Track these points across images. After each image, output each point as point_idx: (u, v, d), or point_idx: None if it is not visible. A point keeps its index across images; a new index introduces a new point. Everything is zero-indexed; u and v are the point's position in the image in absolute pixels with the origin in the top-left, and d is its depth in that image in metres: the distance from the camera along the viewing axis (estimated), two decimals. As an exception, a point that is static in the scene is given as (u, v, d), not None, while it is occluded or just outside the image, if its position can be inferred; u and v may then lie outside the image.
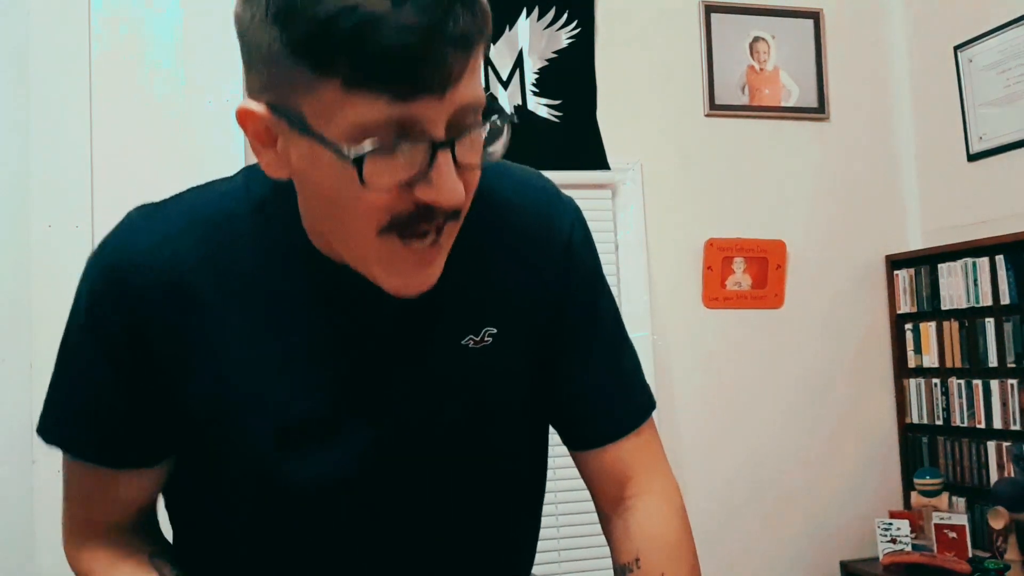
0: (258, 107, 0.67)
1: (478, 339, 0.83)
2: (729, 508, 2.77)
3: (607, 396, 0.91)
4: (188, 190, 0.84)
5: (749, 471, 2.82)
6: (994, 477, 2.63)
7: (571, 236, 0.89)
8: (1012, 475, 2.58)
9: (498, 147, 0.72)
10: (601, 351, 0.91)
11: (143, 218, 0.80)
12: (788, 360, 2.90)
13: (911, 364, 2.96)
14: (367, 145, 0.63)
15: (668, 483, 0.92)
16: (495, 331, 0.84)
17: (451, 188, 0.65)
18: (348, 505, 0.82)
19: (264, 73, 0.65)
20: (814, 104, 2.99)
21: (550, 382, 0.90)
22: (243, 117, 0.69)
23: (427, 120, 0.63)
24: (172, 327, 0.76)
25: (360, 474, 0.81)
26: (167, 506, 0.92)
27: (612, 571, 0.93)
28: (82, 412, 0.80)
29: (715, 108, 2.89)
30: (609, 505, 0.92)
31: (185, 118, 2.20)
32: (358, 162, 0.63)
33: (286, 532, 0.82)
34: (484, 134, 0.70)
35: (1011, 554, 2.46)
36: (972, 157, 2.82)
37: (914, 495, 2.77)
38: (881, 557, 2.69)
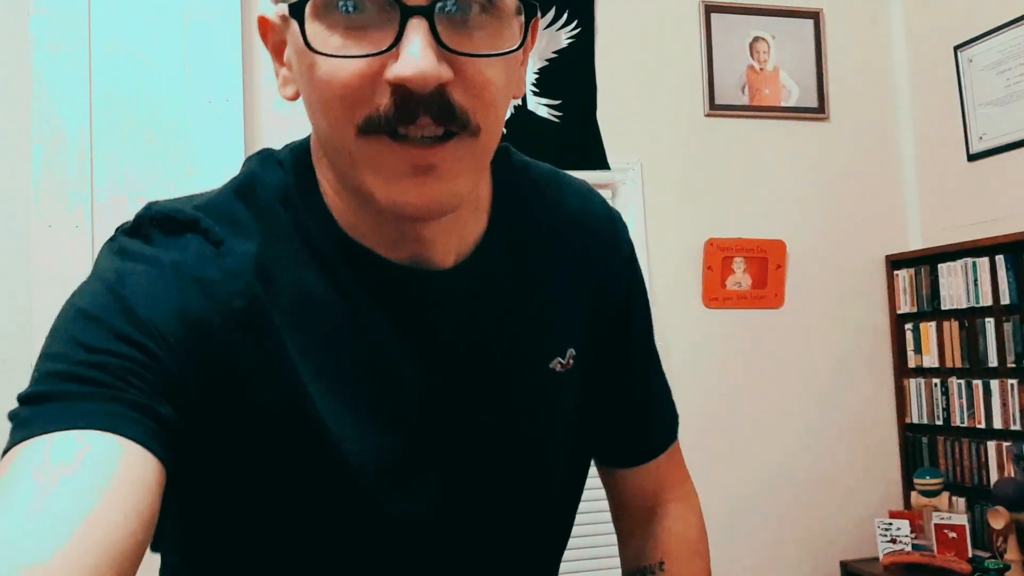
0: (271, 12, 0.66)
1: (565, 362, 0.76)
2: (729, 508, 2.77)
3: (660, 411, 0.90)
4: (202, 194, 0.71)
5: (749, 471, 2.82)
6: (994, 477, 2.63)
7: (631, 249, 0.86)
8: (1012, 475, 2.58)
9: (506, 41, 0.61)
10: (655, 366, 0.90)
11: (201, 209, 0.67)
12: (788, 360, 2.90)
13: (911, 364, 2.96)
14: None
15: (691, 489, 0.94)
16: (575, 352, 0.77)
17: (419, 58, 0.55)
18: (416, 544, 0.71)
19: None
20: (814, 104, 2.99)
21: (607, 399, 0.85)
22: (262, 26, 0.67)
23: None
24: (256, 329, 0.63)
25: (436, 516, 0.71)
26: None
27: (620, 572, 0.93)
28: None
29: (715, 108, 2.89)
30: (638, 513, 0.91)
31: (185, 118, 2.20)
32: (297, 11, 0.58)
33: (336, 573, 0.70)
34: (494, 21, 0.60)
35: (1011, 554, 2.45)
36: (972, 157, 2.82)
37: (914, 495, 2.77)
38: (881, 557, 2.69)
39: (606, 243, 0.82)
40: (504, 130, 0.67)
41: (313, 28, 0.58)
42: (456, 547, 0.73)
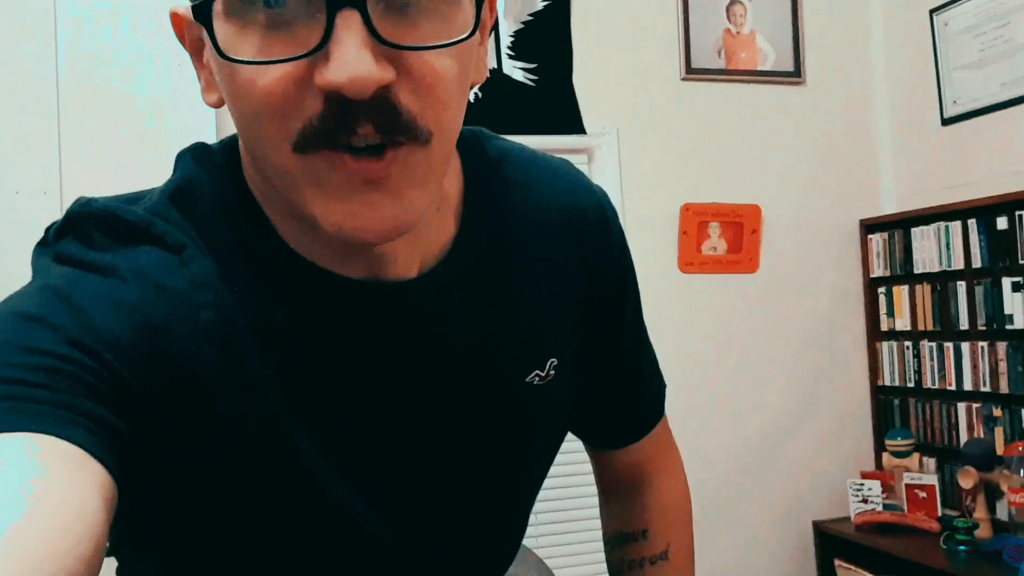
0: (182, 6, 0.55)
1: (544, 374, 0.70)
2: (702, 469, 2.80)
3: (650, 391, 0.89)
4: (136, 194, 0.61)
5: (722, 433, 2.85)
6: (964, 438, 2.67)
7: (622, 237, 0.77)
8: (982, 436, 2.62)
9: (457, 24, 0.51)
10: (644, 345, 0.86)
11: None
12: (762, 324, 2.92)
13: (884, 327, 2.99)
14: None
15: (677, 457, 0.94)
16: (556, 362, 0.71)
17: (352, 61, 0.47)
18: (390, 559, 0.67)
19: None
20: (790, 68, 2.98)
21: (597, 391, 0.81)
22: (175, 23, 0.58)
23: None
24: (227, 345, 0.57)
25: (413, 535, 0.66)
26: None
27: (603, 542, 0.94)
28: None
29: (691, 72, 2.87)
30: (623, 484, 0.91)
31: (153, 82, 2.15)
32: (203, 12, 0.49)
33: None
34: (441, 3, 0.51)
35: (979, 513, 2.50)
36: (946, 121, 2.83)
37: (885, 456, 2.82)
38: (853, 517, 2.73)
39: (597, 237, 0.74)
40: (479, 94, 0.60)
41: (225, 29, 0.49)
42: (429, 558, 0.69)
